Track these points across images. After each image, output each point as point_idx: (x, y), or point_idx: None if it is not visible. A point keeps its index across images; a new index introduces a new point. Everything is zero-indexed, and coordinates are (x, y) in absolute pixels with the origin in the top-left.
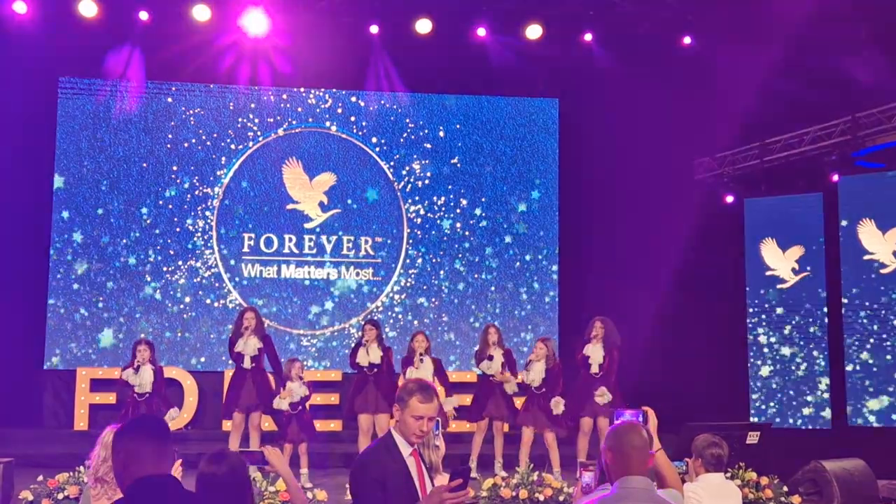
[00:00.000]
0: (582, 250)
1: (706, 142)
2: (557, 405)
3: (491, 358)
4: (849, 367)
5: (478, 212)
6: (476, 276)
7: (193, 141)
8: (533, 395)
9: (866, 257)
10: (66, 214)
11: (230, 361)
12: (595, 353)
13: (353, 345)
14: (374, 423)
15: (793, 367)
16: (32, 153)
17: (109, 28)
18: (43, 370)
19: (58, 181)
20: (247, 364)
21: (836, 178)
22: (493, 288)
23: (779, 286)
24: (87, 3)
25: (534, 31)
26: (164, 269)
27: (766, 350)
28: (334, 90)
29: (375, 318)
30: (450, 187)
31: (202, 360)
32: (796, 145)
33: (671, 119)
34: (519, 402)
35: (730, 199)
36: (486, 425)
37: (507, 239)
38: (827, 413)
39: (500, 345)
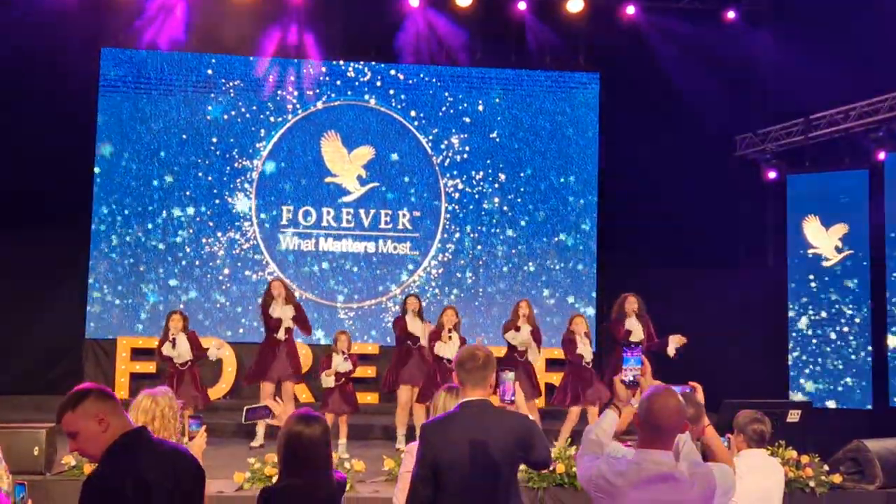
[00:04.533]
0: (621, 226)
1: (749, 117)
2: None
3: (518, 329)
4: (892, 347)
5: (516, 186)
6: (513, 251)
7: (233, 113)
8: (583, 370)
9: None
10: (107, 185)
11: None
12: (636, 327)
13: (391, 318)
14: (413, 394)
15: (834, 347)
16: (74, 124)
17: None
18: (84, 339)
19: (98, 152)
20: (281, 335)
21: (882, 155)
22: (530, 263)
23: (821, 264)
24: None
25: (575, 5)
26: (204, 240)
27: (807, 329)
28: (373, 63)
29: (413, 291)
30: (488, 161)
31: (240, 331)
32: (841, 121)
33: (713, 94)
34: (550, 377)
35: (772, 174)
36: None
37: (546, 214)
38: (869, 393)
39: (531, 320)
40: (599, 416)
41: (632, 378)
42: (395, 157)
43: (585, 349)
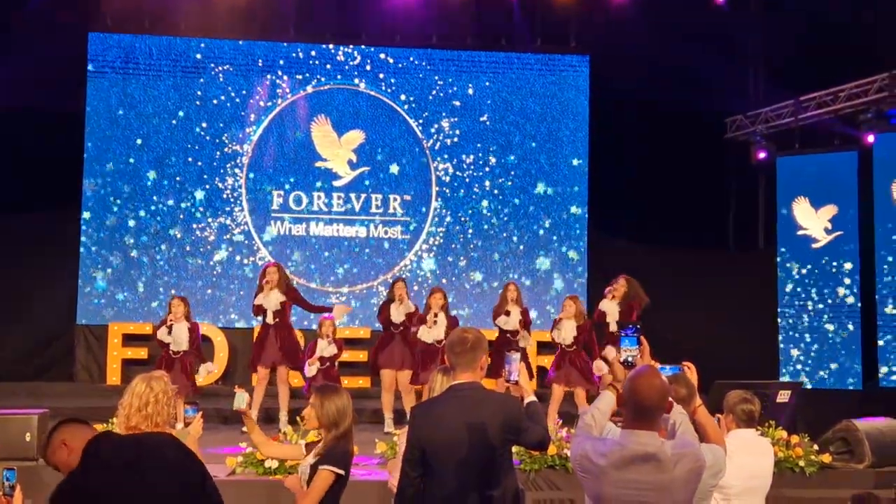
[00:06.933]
0: (612, 208)
1: (739, 99)
2: (600, 368)
3: (508, 314)
4: (881, 327)
5: (506, 170)
6: (504, 234)
7: (222, 98)
8: (564, 353)
9: None
10: (96, 170)
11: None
12: (612, 310)
13: (380, 303)
14: (397, 379)
15: (824, 327)
16: (62, 110)
17: None
18: (76, 325)
19: (87, 139)
20: (269, 319)
21: (871, 137)
22: (521, 247)
23: (811, 245)
24: None
25: None
26: (194, 225)
27: (797, 310)
28: (363, 46)
29: (404, 276)
30: (478, 145)
31: (232, 316)
32: (831, 103)
33: (704, 76)
34: (542, 360)
35: (762, 156)
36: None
37: (536, 197)
38: (858, 373)
39: (519, 303)
40: (597, 397)
41: (627, 358)
42: (385, 141)
43: (561, 333)
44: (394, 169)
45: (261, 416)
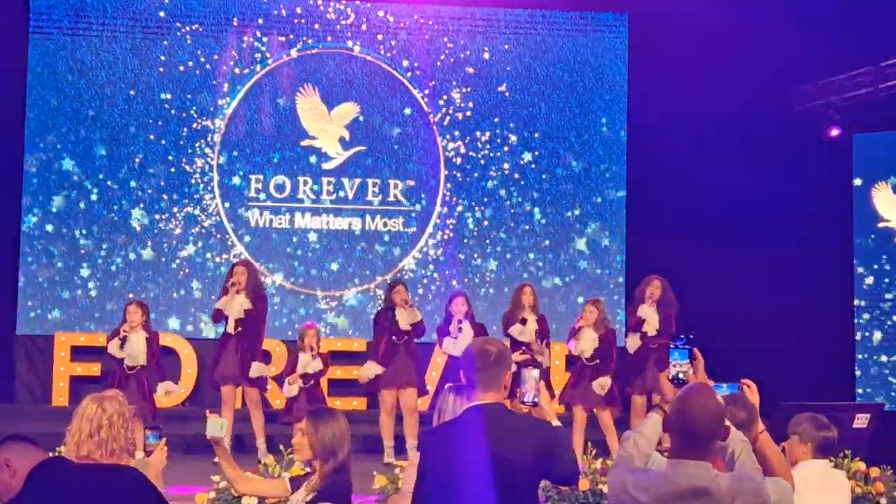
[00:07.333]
0: (653, 195)
1: (808, 65)
2: (602, 387)
3: (524, 322)
4: None
5: (529, 149)
6: (527, 226)
7: (190, 64)
8: (584, 368)
9: None
10: (38, 147)
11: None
12: (651, 316)
13: (377, 309)
14: (399, 399)
15: None
16: None
17: None
18: (15, 336)
19: (30, 111)
20: (231, 328)
21: None
22: (546, 241)
23: (894, 240)
24: None
25: None
26: (157, 217)
27: (876, 317)
28: (358, 3)
29: (406, 276)
30: (496, 120)
31: (201, 324)
32: None
33: (765, 38)
34: (563, 376)
35: (835, 131)
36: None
37: (564, 182)
38: None
39: (535, 309)
40: (643, 420)
41: (677, 375)
42: (384, 115)
43: (581, 344)
44: (394, 149)
45: (232, 444)
